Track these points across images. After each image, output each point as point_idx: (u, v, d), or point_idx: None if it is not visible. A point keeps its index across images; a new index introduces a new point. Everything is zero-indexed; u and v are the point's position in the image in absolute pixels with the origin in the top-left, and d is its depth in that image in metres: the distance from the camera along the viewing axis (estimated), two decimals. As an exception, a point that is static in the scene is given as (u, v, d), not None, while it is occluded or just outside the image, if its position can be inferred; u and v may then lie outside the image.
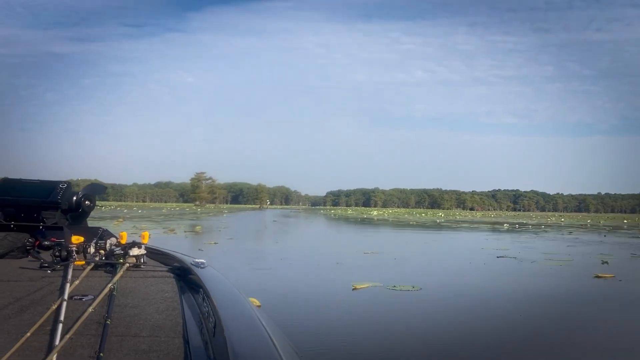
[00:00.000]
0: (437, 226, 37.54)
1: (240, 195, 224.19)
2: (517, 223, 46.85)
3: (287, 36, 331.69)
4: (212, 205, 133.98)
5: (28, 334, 1.38)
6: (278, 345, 1.22)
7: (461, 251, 17.61)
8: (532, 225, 43.15)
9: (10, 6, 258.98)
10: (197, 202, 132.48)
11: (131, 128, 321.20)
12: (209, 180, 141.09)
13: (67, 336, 1.38)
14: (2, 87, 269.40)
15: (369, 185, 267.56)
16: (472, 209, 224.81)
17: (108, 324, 1.45)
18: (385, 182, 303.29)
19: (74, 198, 2.73)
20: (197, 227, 26.33)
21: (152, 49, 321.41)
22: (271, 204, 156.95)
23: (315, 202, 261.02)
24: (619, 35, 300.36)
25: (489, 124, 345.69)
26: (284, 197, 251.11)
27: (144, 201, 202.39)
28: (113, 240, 2.22)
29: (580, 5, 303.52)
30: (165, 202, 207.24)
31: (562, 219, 69.72)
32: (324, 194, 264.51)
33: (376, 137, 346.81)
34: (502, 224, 44.40)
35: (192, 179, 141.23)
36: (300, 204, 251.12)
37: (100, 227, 2.51)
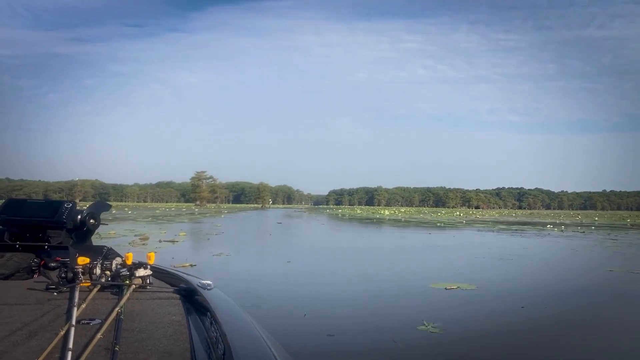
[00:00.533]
0: (469, 227, 32.02)
1: (242, 195, 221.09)
2: (549, 223, 40.94)
3: (288, 35, 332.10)
4: (212, 205, 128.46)
5: None
6: None
7: (570, 266, 12.05)
8: (566, 225, 37.45)
9: (12, 8, 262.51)
10: (198, 202, 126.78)
11: (132, 128, 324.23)
12: (210, 180, 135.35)
13: None
14: (4, 88, 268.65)
15: (371, 183, 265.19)
16: (477, 207, 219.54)
17: (117, 351, 1.42)
18: (388, 181, 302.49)
19: (79, 217, 2.71)
20: (181, 234, 20.32)
21: (154, 49, 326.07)
22: (273, 203, 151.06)
23: (318, 201, 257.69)
24: (621, 32, 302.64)
25: (491, 121, 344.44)
26: (286, 196, 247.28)
27: (145, 201, 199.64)
28: (118, 260, 2.22)
29: (582, 3, 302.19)
30: (167, 202, 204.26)
31: (596, 218, 64.22)
32: (327, 193, 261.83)
33: (378, 136, 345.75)
34: (541, 225, 38.33)
35: (192, 178, 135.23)
36: (303, 203, 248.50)
37: (105, 246, 2.58)
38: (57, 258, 2.48)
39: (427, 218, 51.58)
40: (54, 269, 2.34)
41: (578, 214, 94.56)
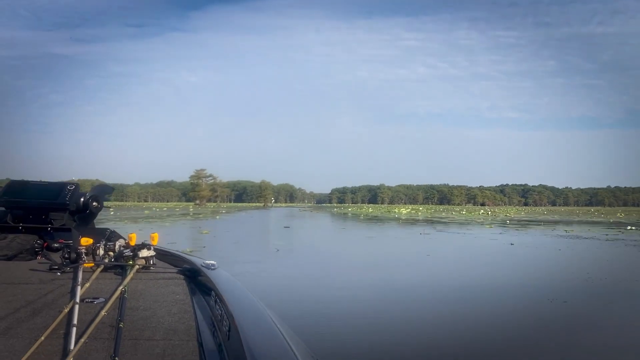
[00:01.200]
0: (516, 226, 26.57)
1: (243, 194, 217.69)
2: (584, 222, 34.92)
3: (289, 34, 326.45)
4: (212, 204, 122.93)
5: (42, 338, 1.37)
6: (295, 348, 1.19)
7: None
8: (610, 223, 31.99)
9: (13, 8, 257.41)
10: (197, 201, 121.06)
11: (134, 128, 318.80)
12: (210, 178, 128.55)
13: (82, 340, 1.36)
14: (6, 88, 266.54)
15: (373, 181, 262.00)
16: (483, 204, 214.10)
17: (121, 327, 1.43)
18: (390, 179, 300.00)
19: (82, 199, 2.72)
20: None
21: (155, 49, 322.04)
22: (275, 202, 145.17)
23: (320, 200, 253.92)
24: (622, 28, 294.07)
25: (492, 118, 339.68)
26: (289, 194, 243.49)
27: (145, 201, 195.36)
28: (122, 241, 2.24)
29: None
30: (168, 201, 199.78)
31: (620, 215, 58.30)
32: (329, 192, 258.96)
33: (379, 134, 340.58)
34: (586, 224, 32.35)
35: (191, 177, 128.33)
36: (306, 201, 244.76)
37: (108, 228, 2.58)
38: (60, 240, 2.52)
39: (453, 218, 45.85)
40: (57, 250, 2.38)
41: (598, 211, 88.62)
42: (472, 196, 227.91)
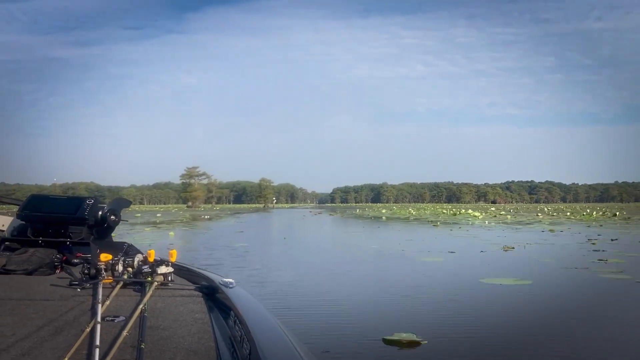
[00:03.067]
0: None
1: (243, 194, 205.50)
2: None
3: (286, 34, 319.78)
4: (207, 206, 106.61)
5: (66, 359, 1.33)
6: None
7: None
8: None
9: (10, 12, 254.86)
10: (189, 203, 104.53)
11: (132, 130, 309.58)
12: (203, 177, 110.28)
13: None
14: (3, 92, 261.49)
15: (374, 180, 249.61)
16: (494, 202, 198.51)
17: (142, 349, 1.38)
18: (392, 177, 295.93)
19: (100, 213, 2.70)
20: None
21: (153, 51, 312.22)
22: (277, 202, 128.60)
23: (322, 199, 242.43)
24: (620, 23, 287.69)
25: (491, 115, 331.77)
26: (289, 194, 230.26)
27: (141, 203, 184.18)
28: (140, 256, 2.20)
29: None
30: (165, 203, 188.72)
31: None
32: (330, 191, 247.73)
33: (379, 133, 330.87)
34: None
35: (182, 176, 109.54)
36: (309, 201, 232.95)
37: (125, 242, 2.57)
38: (78, 254, 2.49)
39: (492, 219, 29.63)
40: (76, 264, 2.34)
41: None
42: (483, 193, 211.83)
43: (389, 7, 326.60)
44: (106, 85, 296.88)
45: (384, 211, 57.54)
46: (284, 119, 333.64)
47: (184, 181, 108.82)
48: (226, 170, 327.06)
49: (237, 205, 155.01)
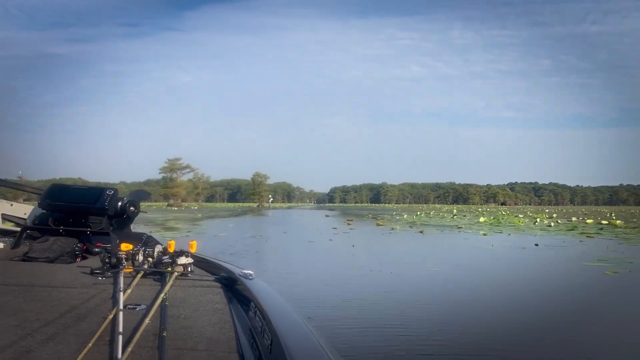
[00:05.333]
0: None
1: (237, 193, 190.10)
2: None
3: (283, 33, 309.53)
4: (194, 205, 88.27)
5: (90, 345, 1.32)
6: None
7: None
8: None
9: (5, 8, 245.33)
10: (170, 201, 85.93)
11: (128, 127, 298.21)
12: (187, 170, 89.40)
13: (129, 349, 1.31)
14: None
15: (372, 180, 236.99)
16: (503, 203, 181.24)
17: (164, 337, 1.37)
18: (390, 177, 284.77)
19: (119, 204, 2.71)
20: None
21: (148, 49, 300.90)
22: (273, 201, 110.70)
23: (321, 199, 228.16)
24: (615, 27, 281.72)
25: (487, 118, 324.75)
26: (286, 193, 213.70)
27: None
28: (159, 247, 2.20)
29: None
30: (155, 201, 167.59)
31: None
32: (327, 191, 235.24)
33: (376, 133, 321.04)
34: None
35: (162, 169, 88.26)
36: (307, 201, 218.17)
37: (145, 233, 2.53)
38: (98, 244, 2.52)
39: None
40: (96, 254, 2.33)
41: None
42: (492, 194, 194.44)
43: (386, 8, 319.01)
44: (102, 82, 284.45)
45: (418, 216, 38.17)
46: (280, 117, 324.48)
47: (165, 175, 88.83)
48: (221, 168, 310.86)
49: (230, 204, 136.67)
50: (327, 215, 40.55)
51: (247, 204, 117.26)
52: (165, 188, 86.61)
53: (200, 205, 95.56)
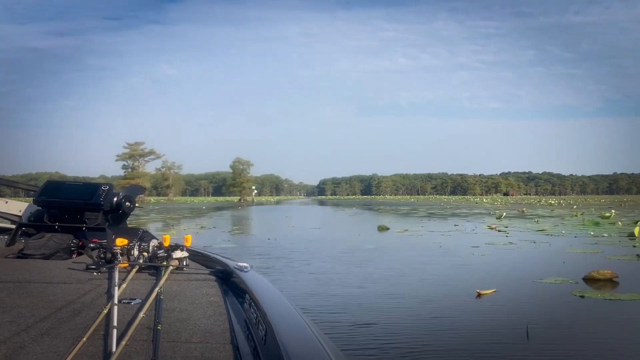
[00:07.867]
0: None
1: (223, 186, 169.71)
2: None
3: (268, 25, 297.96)
4: (162, 199, 69.60)
5: (84, 339, 1.30)
6: (332, 354, 1.11)
7: None
8: None
9: None
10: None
11: (112, 121, 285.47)
12: (151, 156, 70.22)
13: (123, 343, 1.29)
14: None
15: (363, 171, 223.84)
16: (506, 194, 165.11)
17: (159, 330, 1.35)
18: (381, 168, 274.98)
19: (115, 199, 2.67)
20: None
21: (133, 42, 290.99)
22: (259, 194, 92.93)
23: (311, 192, 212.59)
24: (598, 17, 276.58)
25: (473, 109, 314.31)
26: (274, 186, 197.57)
27: None
28: (155, 242, 2.16)
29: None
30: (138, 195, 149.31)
31: None
32: (316, 183, 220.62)
33: (363, 125, 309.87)
34: None
35: (119, 156, 68.52)
36: (298, 193, 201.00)
37: (140, 228, 2.54)
38: (94, 239, 2.46)
39: None
40: (92, 249, 2.25)
41: None
42: (494, 184, 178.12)
43: (371, 0, 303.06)
44: (85, 76, 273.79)
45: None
46: (268, 110, 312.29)
47: (124, 163, 69.52)
48: (207, 161, 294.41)
49: (211, 199, 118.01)
50: (351, 215, 22.39)
51: (229, 198, 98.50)
52: (124, 179, 66.66)
53: (169, 200, 76.87)
